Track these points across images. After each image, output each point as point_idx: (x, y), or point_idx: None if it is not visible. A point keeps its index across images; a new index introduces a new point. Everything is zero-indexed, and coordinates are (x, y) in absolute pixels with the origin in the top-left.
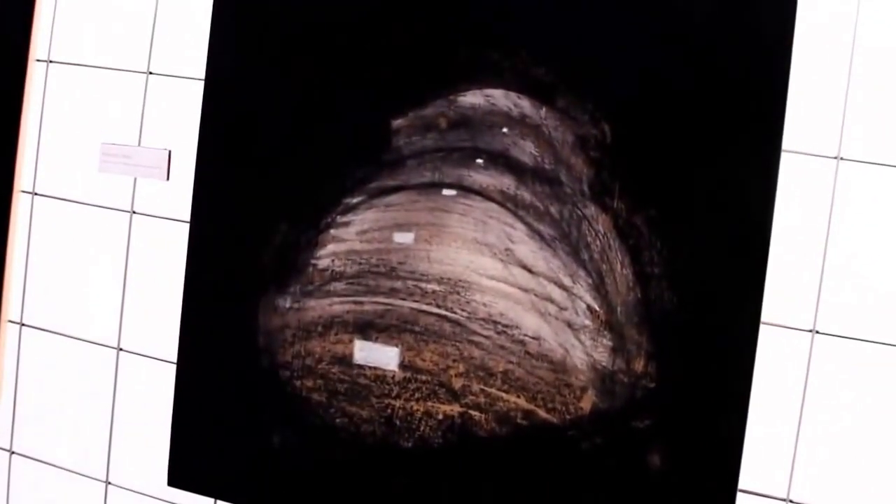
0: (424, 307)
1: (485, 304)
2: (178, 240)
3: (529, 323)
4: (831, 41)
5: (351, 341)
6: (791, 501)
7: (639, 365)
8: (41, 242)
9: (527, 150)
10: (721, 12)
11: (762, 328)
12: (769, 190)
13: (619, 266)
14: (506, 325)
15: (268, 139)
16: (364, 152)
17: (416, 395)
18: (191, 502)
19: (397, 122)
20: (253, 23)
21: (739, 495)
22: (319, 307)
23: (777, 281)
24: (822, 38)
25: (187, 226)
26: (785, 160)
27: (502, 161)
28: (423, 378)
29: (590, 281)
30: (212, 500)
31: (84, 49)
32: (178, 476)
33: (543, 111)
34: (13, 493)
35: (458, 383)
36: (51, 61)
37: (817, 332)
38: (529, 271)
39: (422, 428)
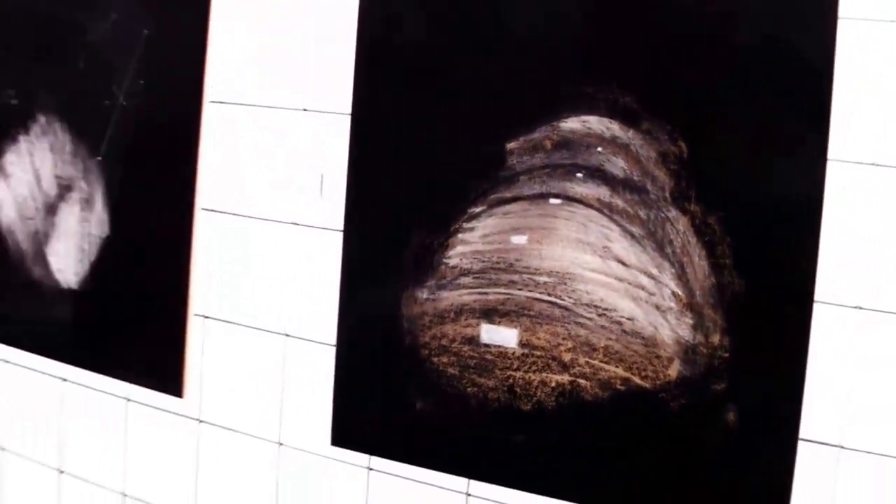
0: (537, 295)
1: (587, 292)
2: (332, 246)
3: (625, 306)
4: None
5: (478, 325)
6: (843, 447)
7: (715, 338)
8: (219, 250)
9: (618, 165)
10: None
11: (815, 306)
12: (818, 192)
13: (697, 258)
14: (605, 309)
15: (403, 163)
16: (484, 170)
17: (533, 367)
18: (350, 458)
19: (511, 145)
20: (384, 63)
21: (800, 443)
22: (451, 297)
23: (827, 266)
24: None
25: (341, 234)
26: (830, 167)
27: (598, 174)
28: (538, 353)
29: (673, 271)
30: (367, 456)
31: (247, 90)
32: (340, 437)
33: (631, 133)
34: (201, 455)
35: (567, 357)
36: (220, 102)
37: (860, 307)
38: (623, 264)
39: (538, 394)
